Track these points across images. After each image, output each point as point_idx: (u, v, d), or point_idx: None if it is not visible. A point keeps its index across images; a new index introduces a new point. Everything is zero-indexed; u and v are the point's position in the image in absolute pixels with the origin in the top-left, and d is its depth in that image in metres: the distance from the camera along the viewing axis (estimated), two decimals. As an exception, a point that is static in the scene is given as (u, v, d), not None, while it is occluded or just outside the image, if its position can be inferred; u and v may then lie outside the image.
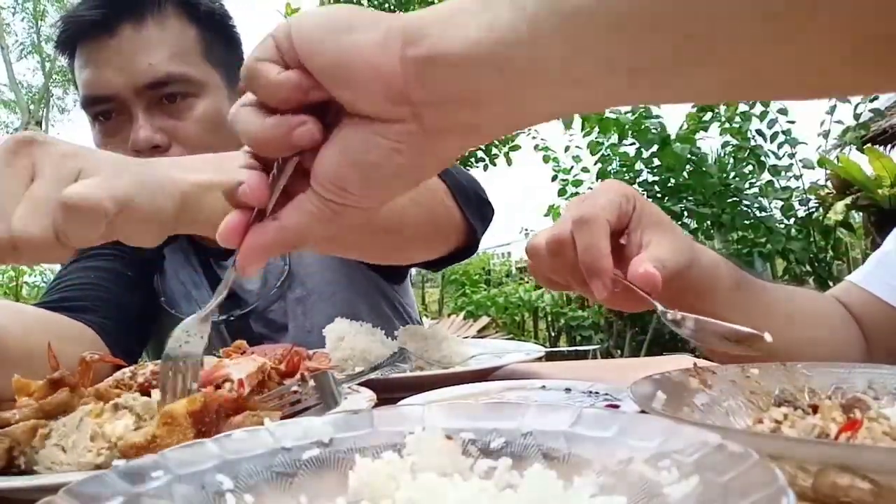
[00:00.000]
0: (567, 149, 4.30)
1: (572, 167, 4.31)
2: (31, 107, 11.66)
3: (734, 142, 3.87)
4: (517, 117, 0.41)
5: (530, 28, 0.34)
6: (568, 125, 3.90)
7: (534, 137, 4.56)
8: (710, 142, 4.03)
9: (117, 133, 1.01)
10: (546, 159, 4.37)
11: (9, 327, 0.80)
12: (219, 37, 1.08)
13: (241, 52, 1.15)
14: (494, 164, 5.91)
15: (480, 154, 5.94)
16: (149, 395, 0.55)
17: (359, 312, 1.15)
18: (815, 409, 0.48)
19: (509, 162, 5.86)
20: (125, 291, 1.08)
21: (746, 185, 3.84)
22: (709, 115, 3.91)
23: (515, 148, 5.81)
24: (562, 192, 4.31)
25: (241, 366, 0.58)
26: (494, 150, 5.90)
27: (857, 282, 0.79)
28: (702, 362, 0.70)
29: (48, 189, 0.50)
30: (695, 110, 3.96)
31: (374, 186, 0.42)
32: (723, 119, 3.86)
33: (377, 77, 0.38)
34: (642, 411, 0.44)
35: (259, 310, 1.14)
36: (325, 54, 0.39)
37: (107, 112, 1.01)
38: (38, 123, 10.77)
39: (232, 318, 1.13)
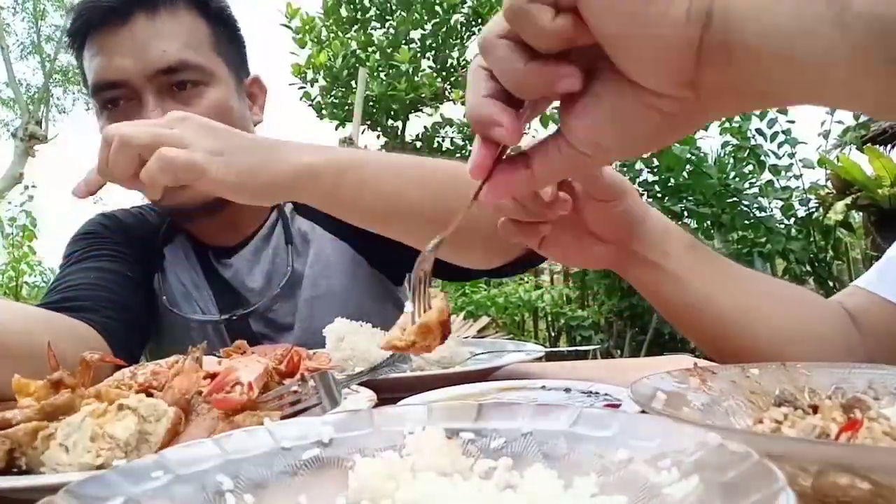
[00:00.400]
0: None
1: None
2: (31, 106, 11.66)
3: (734, 142, 3.87)
4: (789, 101, 0.41)
5: (843, 37, 0.34)
6: None
7: (533, 136, 4.55)
8: (710, 142, 4.04)
9: (126, 119, 1.00)
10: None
11: (11, 325, 0.80)
12: (226, 34, 1.10)
13: (244, 54, 1.17)
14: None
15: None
16: (149, 395, 0.55)
17: (368, 314, 1.15)
18: (815, 409, 0.48)
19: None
20: (126, 292, 1.08)
21: (746, 186, 3.84)
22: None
23: (516, 149, 5.81)
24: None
25: (249, 368, 0.58)
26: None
27: (863, 286, 0.78)
28: (702, 362, 0.70)
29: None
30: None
31: (632, 147, 0.42)
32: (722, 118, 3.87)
33: (670, 59, 0.37)
34: (642, 411, 0.44)
35: (261, 310, 1.14)
36: (616, 22, 0.36)
37: (116, 99, 1.02)
38: (38, 123, 10.76)
39: (234, 318, 1.13)
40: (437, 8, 5.75)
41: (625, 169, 4.04)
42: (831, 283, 4.27)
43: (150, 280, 1.17)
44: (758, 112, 3.75)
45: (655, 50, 0.37)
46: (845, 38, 0.34)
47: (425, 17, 5.82)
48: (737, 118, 3.82)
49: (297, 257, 1.16)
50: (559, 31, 0.38)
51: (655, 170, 3.98)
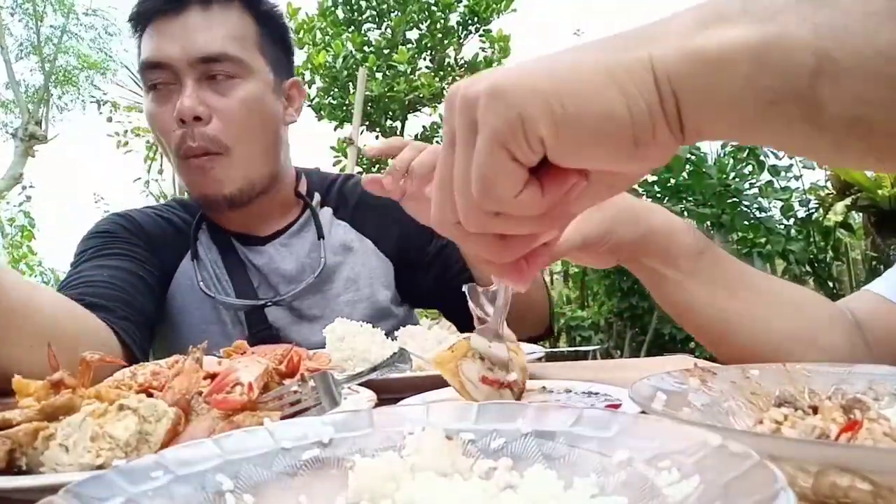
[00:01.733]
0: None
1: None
2: (31, 107, 11.66)
3: (734, 142, 3.87)
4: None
5: (820, 135, 0.34)
6: None
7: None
8: (711, 143, 4.03)
9: (167, 101, 1.09)
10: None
11: (39, 303, 0.82)
12: (272, 34, 1.17)
13: (290, 57, 1.25)
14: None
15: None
16: (149, 395, 0.55)
17: (390, 316, 1.22)
18: (815, 409, 0.48)
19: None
20: (139, 293, 1.08)
21: (746, 186, 3.84)
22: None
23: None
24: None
25: (250, 368, 0.58)
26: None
27: (877, 292, 0.77)
28: (702, 363, 0.70)
29: None
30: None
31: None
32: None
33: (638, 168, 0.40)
34: (642, 412, 0.44)
35: (288, 301, 1.17)
36: (586, 163, 0.38)
37: (160, 82, 1.09)
38: (38, 123, 10.76)
39: (268, 304, 1.16)
40: (434, 8, 5.74)
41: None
42: (831, 284, 4.27)
43: (165, 279, 1.18)
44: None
45: (620, 170, 0.39)
46: (822, 135, 0.34)
47: (421, 17, 5.82)
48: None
49: (333, 256, 1.21)
50: (530, 203, 0.39)
51: (655, 170, 3.98)
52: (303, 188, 1.28)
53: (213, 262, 1.20)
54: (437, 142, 6.07)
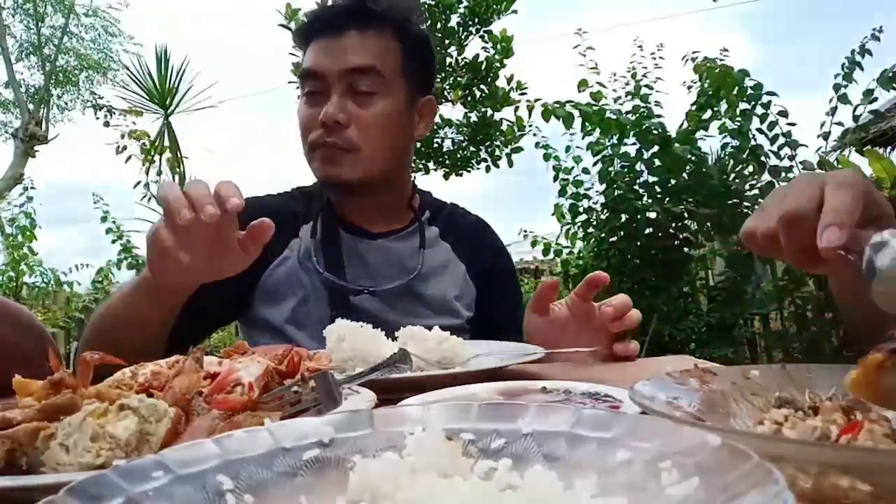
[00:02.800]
0: (568, 149, 4.30)
1: (573, 168, 4.30)
2: (31, 107, 11.66)
3: (734, 143, 3.86)
4: None
5: None
6: (569, 124, 3.89)
7: (534, 135, 4.56)
8: (711, 143, 4.03)
9: (315, 105, 1.24)
10: (547, 157, 4.36)
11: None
12: (416, 58, 1.31)
13: (430, 78, 1.39)
14: (497, 166, 5.91)
15: (483, 155, 5.93)
16: (150, 395, 0.55)
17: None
18: (815, 410, 0.48)
19: (511, 164, 5.86)
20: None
21: (746, 187, 3.83)
22: (708, 114, 3.91)
23: (518, 150, 5.81)
24: (562, 192, 4.31)
25: (250, 368, 0.58)
26: (497, 152, 5.89)
27: None
28: (702, 363, 0.70)
29: None
30: (695, 108, 3.96)
31: None
32: (722, 116, 3.86)
33: None
34: (643, 412, 0.44)
35: (378, 294, 1.27)
36: None
37: (312, 90, 1.26)
38: (38, 123, 10.76)
39: (363, 292, 1.26)
40: (434, 9, 5.74)
41: (626, 170, 4.03)
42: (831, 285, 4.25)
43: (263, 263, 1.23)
44: (759, 113, 3.75)
45: None
46: None
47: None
48: (738, 118, 3.81)
49: (430, 267, 1.32)
50: None
51: (656, 170, 3.97)
52: (416, 202, 1.42)
53: (315, 245, 1.30)
54: (436, 142, 6.06)
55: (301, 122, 1.28)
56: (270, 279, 1.27)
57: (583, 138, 4.14)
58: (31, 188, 6.62)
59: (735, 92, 3.66)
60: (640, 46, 4.25)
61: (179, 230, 0.82)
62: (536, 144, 4.48)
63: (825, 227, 0.56)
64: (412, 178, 1.42)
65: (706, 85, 3.84)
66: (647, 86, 4.08)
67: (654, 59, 4.20)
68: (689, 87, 4.06)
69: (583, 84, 4.05)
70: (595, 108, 3.82)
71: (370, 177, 1.25)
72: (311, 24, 1.29)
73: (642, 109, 3.93)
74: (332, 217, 1.34)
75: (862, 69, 3.72)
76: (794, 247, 0.62)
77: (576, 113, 3.84)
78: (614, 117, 3.81)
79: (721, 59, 3.89)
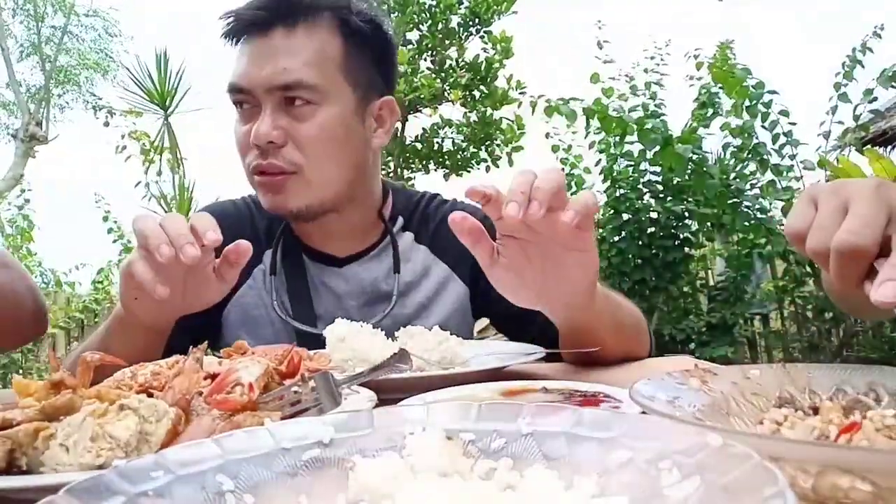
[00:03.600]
0: (569, 148, 4.29)
1: (573, 168, 4.30)
2: (32, 107, 11.67)
3: (736, 142, 3.86)
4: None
5: None
6: (572, 119, 3.86)
7: (546, 123, 4.55)
8: (713, 142, 4.03)
9: (250, 121, 1.08)
10: (555, 148, 4.32)
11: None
12: (364, 52, 1.12)
13: (388, 73, 1.18)
14: (497, 166, 5.92)
15: (483, 155, 5.93)
16: (150, 395, 0.55)
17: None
18: (815, 410, 0.48)
19: (511, 163, 5.86)
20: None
21: (747, 187, 3.83)
22: (710, 111, 3.91)
23: (518, 149, 5.81)
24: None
25: (250, 369, 0.58)
26: (497, 152, 5.90)
27: None
28: (702, 363, 0.70)
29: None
30: (697, 106, 3.96)
31: None
32: (724, 113, 3.85)
33: None
34: (643, 412, 0.44)
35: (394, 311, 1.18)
36: None
37: (243, 101, 1.10)
38: (39, 124, 10.76)
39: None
40: (434, 9, 5.74)
41: (630, 169, 4.03)
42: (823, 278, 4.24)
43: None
44: (761, 111, 3.74)
45: None
46: None
47: (422, 18, 5.82)
48: (739, 117, 3.81)
49: (408, 280, 1.20)
50: None
51: (659, 169, 3.97)
52: (387, 209, 1.26)
53: (278, 279, 1.18)
54: (436, 142, 6.06)
55: (238, 144, 1.12)
56: (235, 310, 1.16)
57: (585, 137, 4.14)
58: (28, 189, 6.63)
59: (737, 90, 3.66)
60: (654, 44, 4.23)
61: (157, 265, 0.79)
62: (547, 135, 4.41)
63: (882, 282, 0.54)
64: (380, 186, 1.25)
65: (710, 81, 3.84)
66: (656, 83, 4.07)
67: (660, 55, 4.19)
68: (692, 78, 4.05)
69: (595, 78, 4.03)
70: (598, 106, 3.81)
71: (321, 202, 1.10)
72: (231, 25, 1.10)
73: (646, 106, 3.91)
74: (295, 244, 1.20)
75: (863, 66, 3.71)
76: (846, 279, 0.58)
77: (579, 111, 3.82)
78: (617, 115, 3.79)
79: (730, 46, 3.90)
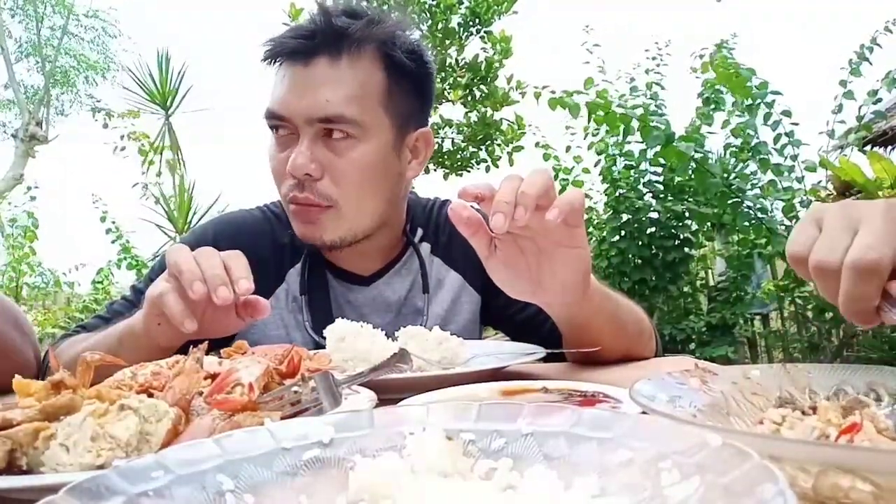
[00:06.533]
0: (568, 149, 4.29)
1: (573, 167, 4.30)
2: (31, 107, 11.67)
3: (737, 142, 3.86)
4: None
5: None
6: (575, 113, 3.84)
7: (534, 134, 4.55)
8: (714, 142, 4.02)
9: (286, 148, 1.07)
10: (546, 157, 4.35)
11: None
12: (403, 86, 1.11)
13: (425, 105, 1.18)
14: (497, 166, 5.91)
15: (483, 155, 5.93)
16: (150, 395, 0.55)
17: None
18: (815, 410, 0.48)
19: (511, 163, 5.86)
20: None
21: (748, 186, 3.83)
22: (713, 107, 3.91)
23: (519, 149, 5.81)
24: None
25: (250, 369, 0.58)
26: (497, 152, 5.89)
27: None
28: (702, 363, 0.70)
29: None
30: (700, 104, 3.96)
31: None
32: (726, 111, 3.85)
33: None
34: (643, 412, 0.44)
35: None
36: None
37: (280, 127, 1.08)
38: (39, 124, 10.76)
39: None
40: (435, 9, 5.73)
41: (630, 170, 4.03)
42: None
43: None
44: (763, 111, 3.74)
45: None
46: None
47: (422, 18, 5.82)
48: (740, 116, 3.81)
49: (430, 306, 1.19)
50: None
51: (660, 169, 3.97)
52: (408, 223, 1.25)
53: (301, 297, 1.17)
54: (437, 143, 6.06)
55: (272, 169, 1.11)
56: (253, 331, 1.11)
57: (584, 138, 4.13)
58: (35, 187, 6.62)
59: (741, 90, 3.66)
60: (655, 44, 4.23)
61: (189, 301, 0.79)
62: (536, 144, 4.47)
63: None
64: (405, 206, 1.24)
65: (714, 79, 3.83)
66: (657, 83, 4.07)
67: (661, 55, 4.19)
68: (695, 70, 4.03)
69: (589, 83, 4.03)
70: (602, 97, 3.80)
71: (354, 235, 1.10)
72: (274, 50, 1.08)
73: (647, 106, 3.91)
74: (319, 262, 1.19)
75: (871, 63, 3.71)
76: (858, 299, 0.57)
77: (583, 105, 3.81)
78: (621, 111, 3.78)
79: (731, 48, 3.90)
